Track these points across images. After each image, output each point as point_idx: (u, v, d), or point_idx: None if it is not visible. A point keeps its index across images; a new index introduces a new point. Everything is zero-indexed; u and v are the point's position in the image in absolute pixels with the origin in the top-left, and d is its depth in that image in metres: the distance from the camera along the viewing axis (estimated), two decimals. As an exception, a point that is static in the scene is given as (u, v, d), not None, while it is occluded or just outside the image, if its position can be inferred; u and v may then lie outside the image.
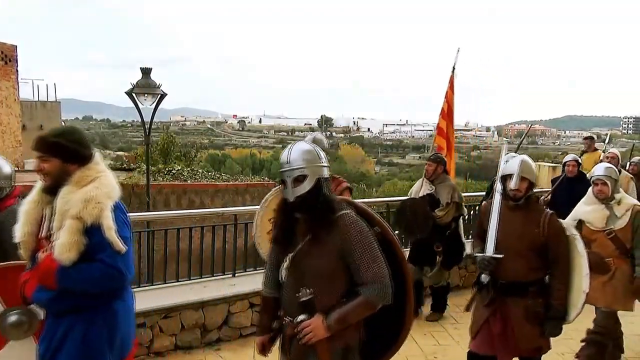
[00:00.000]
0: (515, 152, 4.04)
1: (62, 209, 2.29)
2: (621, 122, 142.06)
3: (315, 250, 2.25)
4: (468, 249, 5.55)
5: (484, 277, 3.29)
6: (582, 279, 3.20)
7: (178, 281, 5.14)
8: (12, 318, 2.55)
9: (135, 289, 4.77)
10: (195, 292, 4.90)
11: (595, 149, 8.64)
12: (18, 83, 16.17)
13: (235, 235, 5.49)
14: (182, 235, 5.28)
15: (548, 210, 3.38)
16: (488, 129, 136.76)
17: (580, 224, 4.14)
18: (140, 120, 9.81)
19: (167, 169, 13.87)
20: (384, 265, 2.26)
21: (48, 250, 2.33)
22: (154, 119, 9.94)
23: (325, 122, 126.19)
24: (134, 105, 9.61)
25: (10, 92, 15.56)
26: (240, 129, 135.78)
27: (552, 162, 14.40)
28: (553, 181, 6.97)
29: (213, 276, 5.33)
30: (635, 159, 7.90)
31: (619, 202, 4.07)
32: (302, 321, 2.23)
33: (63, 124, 22.45)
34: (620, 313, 4.27)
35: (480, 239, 3.48)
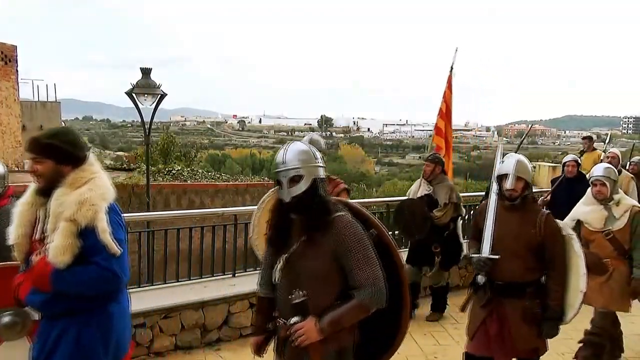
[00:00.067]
0: (515, 152, 4.04)
1: (56, 211, 2.27)
2: (621, 122, 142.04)
3: (310, 251, 2.24)
4: (466, 250, 5.55)
5: (480, 279, 3.27)
6: (579, 278, 3.19)
7: (178, 281, 5.14)
8: (6, 319, 2.55)
9: (135, 289, 4.82)
10: (195, 292, 4.91)
11: (594, 149, 8.66)
12: (18, 83, 16.15)
13: (235, 235, 5.49)
14: (182, 235, 5.28)
15: (544, 210, 3.38)
16: (488, 129, 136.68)
17: (578, 225, 4.14)
18: (140, 120, 9.81)
19: (167, 169, 13.88)
20: (378, 269, 2.24)
21: (42, 253, 2.31)
22: (154, 119, 9.94)
23: (325, 122, 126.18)
24: (134, 106, 9.61)
25: (10, 92, 15.55)
26: (240, 129, 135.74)
27: (552, 162, 14.39)
28: (553, 181, 6.97)
29: (213, 276, 5.33)
30: (635, 158, 7.91)
31: (617, 203, 4.06)
32: (295, 323, 2.21)
33: (63, 124, 22.46)
34: (620, 313, 4.27)
35: (476, 239, 3.46)
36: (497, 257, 3.20)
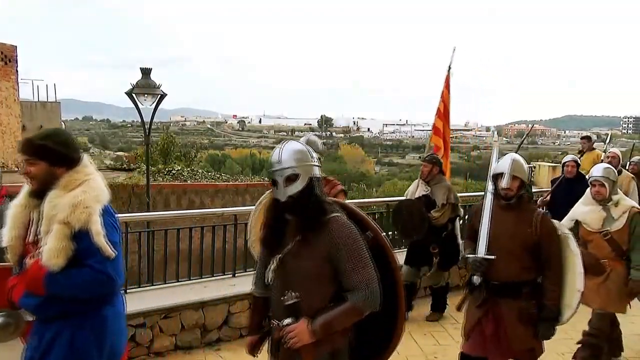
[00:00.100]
0: (516, 152, 4.04)
1: (50, 214, 2.24)
2: (621, 122, 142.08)
3: (304, 252, 2.21)
4: (462, 250, 5.55)
5: (476, 279, 3.23)
6: (576, 278, 3.17)
7: (178, 281, 5.14)
8: None
9: (135, 289, 4.83)
10: (196, 292, 4.91)
11: (593, 149, 8.64)
12: (18, 83, 16.18)
13: (235, 235, 5.49)
14: (182, 235, 5.28)
15: (540, 209, 3.37)
16: (488, 129, 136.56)
17: (577, 225, 4.13)
18: (140, 120, 9.82)
19: (167, 169, 13.89)
20: (373, 271, 2.20)
21: (36, 256, 2.28)
22: (154, 119, 9.96)
23: (325, 122, 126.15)
24: (134, 106, 9.62)
25: (10, 92, 15.57)
26: (240, 129, 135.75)
27: (552, 162, 14.40)
28: (553, 182, 6.98)
29: (213, 276, 5.33)
30: (634, 158, 7.91)
31: (616, 204, 4.04)
32: (288, 325, 2.18)
33: (63, 124, 22.47)
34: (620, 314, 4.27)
35: (471, 239, 3.43)
36: (492, 257, 3.17)
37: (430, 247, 5.33)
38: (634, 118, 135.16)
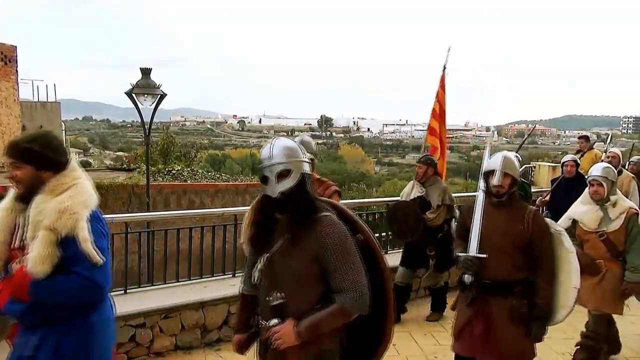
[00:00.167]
0: (517, 152, 4.04)
1: (35, 219, 2.19)
2: (621, 122, 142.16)
3: (293, 251, 2.17)
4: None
5: (467, 278, 3.17)
6: (571, 275, 3.12)
7: (178, 281, 5.14)
8: None
9: (135, 289, 4.84)
10: (196, 292, 4.91)
11: (592, 148, 8.64)
12: (18, 83, 16.18)
13: (235, 235, 5.49)
14: (182, 235, 5.28)
15: (532, 207, 3.34)
16: (488, 129, 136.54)
17: (574, 224, 4.12)
18: (140, 120, 9.82)
19: (167, 169, 13.89)
20: (362, 273, 2.15)
21: (21, 262, 2.23)
22: (154, 119, 9.95)
23: (325, 122, 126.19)
24: (133, 106, 9.62)
25: (10, 92, 15.57)
26: (240, 129, 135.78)
27: (551, 162, 14.39)
28: (553, 181, 6.98)
29: (213, 276, 5.33)
30: (634, 158, 7.92)
31: (614, 204, 4.01)
32: (274, 325, 2.14)
33: (63, 124, 22.46)
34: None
35: (462, 239, 3.37)
36: (484, 256, 3.12)
37: (426, 249, 5.30)
38: (634, 118, 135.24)
